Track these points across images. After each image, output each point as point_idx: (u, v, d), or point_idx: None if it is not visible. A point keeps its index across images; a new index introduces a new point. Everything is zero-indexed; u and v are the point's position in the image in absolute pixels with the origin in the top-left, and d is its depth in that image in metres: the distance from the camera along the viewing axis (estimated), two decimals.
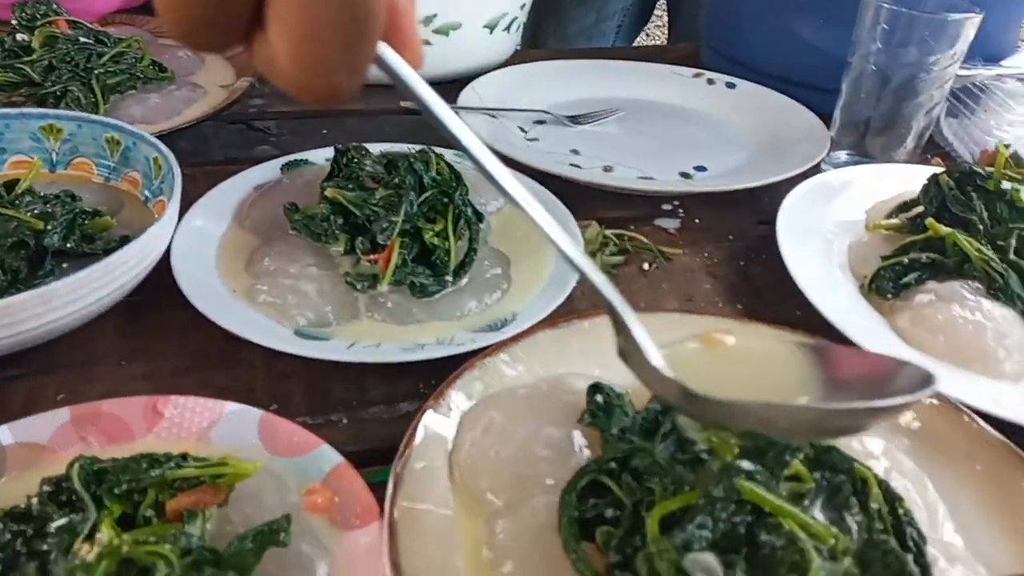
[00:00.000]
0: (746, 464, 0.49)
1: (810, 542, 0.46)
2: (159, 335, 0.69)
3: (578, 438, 0.58)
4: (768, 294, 0.84)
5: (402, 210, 0.71)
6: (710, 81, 1.27)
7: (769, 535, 0.47)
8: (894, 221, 0.90)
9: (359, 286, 0.70)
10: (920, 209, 0.89)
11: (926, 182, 0.91)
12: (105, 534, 0.43)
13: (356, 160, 0.78)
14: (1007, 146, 0.96)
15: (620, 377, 0.61)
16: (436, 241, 0.72)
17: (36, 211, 0.67)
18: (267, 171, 0.86)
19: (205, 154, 0.99)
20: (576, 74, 1.25)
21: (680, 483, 0.50)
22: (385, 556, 0.47)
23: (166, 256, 0.70)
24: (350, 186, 0.74)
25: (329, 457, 0.55)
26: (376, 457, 0.58)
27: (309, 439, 0.56)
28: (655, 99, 1.23)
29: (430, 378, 0.67)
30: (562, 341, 0.68)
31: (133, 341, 0.68)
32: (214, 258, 0.73)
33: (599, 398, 0.59)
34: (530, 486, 0.54)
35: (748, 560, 0.47)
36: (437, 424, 0.58)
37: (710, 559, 0.45)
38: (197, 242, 0.74)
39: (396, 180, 0.74)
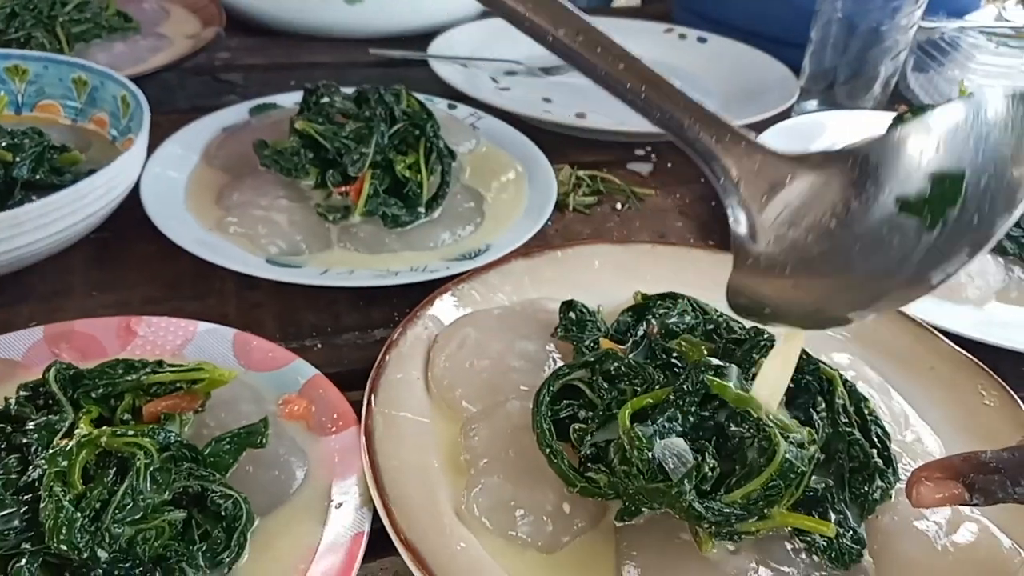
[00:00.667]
0: (715, 360, 0.50)
1: (777, 428, 0.47)
2: (129, 267, 0.69)
3: (551, 350, 0.59)
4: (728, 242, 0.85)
5: (373, 141, 0.72)
6: (682, 36, 1.28)
7: (738, 426, 0.48)
8: None
9: (331, 217, 0.70)
10: None
11: (891, 122, 0.92)
12: (83, 429, 0.43)
13: (326, 97, 0.78)
14: (970, 94, 0.98)
15: (592, 302, 0.62)
16: (408, 174, 0.73)
17: (3, 144, 0.66)
18: (235, 114, 0.86)
19: (171, 103, 0.98)
20: None
21: (651, 382, 0.51)
22: (364, 457, 0.48)
23: (134, 194, 0.70)
24: (320, 120, 0.74)
25: (304, 370, 0.55)
26: (352, 378, 0.58)
27: (284, 354, 0.56)
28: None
29: (404, 307, 0.67)
30: (535, 270, 0.69)
31: (103, 273, 0.68)
32: (183, 194, 0.73)
33: (572, 314, 0.60)
34: (504, 392, 0.55)
35: (717, 449, 0.48)
36: (414, 340, 0.59)
37: (681, 443, 0.46)
38: (166, 178, 0.73)
39: (367, 113, 0.74)
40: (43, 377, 0.47)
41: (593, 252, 0.71)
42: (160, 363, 0.50)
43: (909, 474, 0.50)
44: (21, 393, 0.47)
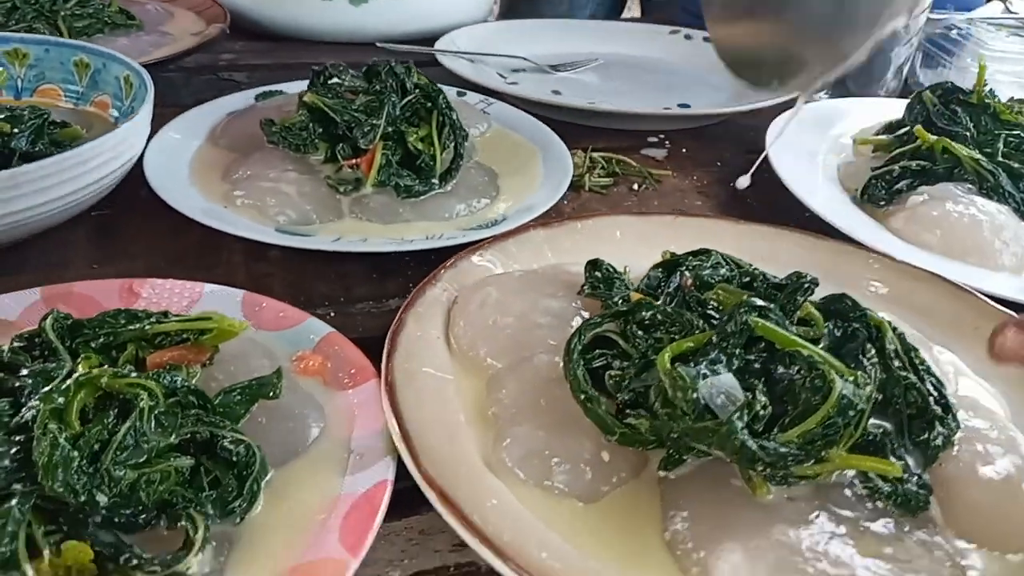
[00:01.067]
0: (758, 301, 0.47)
1: (830, 366, 0.43)
2: (133, 241, 0.66)
3: (578, 307, 0.55)
4: (760, 210, 0.83)
5: (384, 113, 0.69)
6: (687, 37, 1.27)
7: (786, 368, 0.45)
8: (882, 137, 0.89)
9: (342, 189, 0.68)
10: (906, 129, 0.89)
11: (910, 100, 0.91)
12: (83, 369, 0.39)
13: (335, 78, 0.76)
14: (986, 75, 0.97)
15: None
16: (420, 146, 0.70)
17: (2, 116, 0.64)
18: (240, 100, 0.84)
19: (175, 99, 0.95)
20: (553, 30, 1.24)
21: (690, 328, 0.48)
22: (386, 407, 0.44)
23: (137, 175, 0.67)
24: (329, 96, 0.72)
25: (318, 328, 0.52)
26: (367, 345, 0.55)
27: (296, 314, 0.53)
28: (634, 53, 1.22)
29: (418, 278, 0.64)
30: (555, 239, 0.66)
31: (105, 248, 0.65)
32: (187, 172, 0.70)
33: (597, 273, 0.57)
34: (530, 348, 0.51)
35: (767, 393, 0.44)
36: (432, 301, 0.56)
37: (729, 380, 0.42)
38: (170, 154, 0.70)
39: (377, 87, 0.72)
40: (39, 327, 0.44)
41: (614, 223, 0.69)
42: (165, 314, 0.46)
43: (965, 427, 0.48)
44: (15, 344, 0.44)
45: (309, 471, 0.42)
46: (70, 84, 0.77)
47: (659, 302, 0.52)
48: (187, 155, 0.72)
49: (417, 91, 0.72)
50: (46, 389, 0.37)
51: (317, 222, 0.65)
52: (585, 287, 0.56)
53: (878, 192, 0.80)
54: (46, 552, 0.34)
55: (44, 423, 0.36)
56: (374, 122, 0.69)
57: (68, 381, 0.38)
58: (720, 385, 0.42)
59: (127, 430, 0.37)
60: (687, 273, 0.54)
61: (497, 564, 0.36)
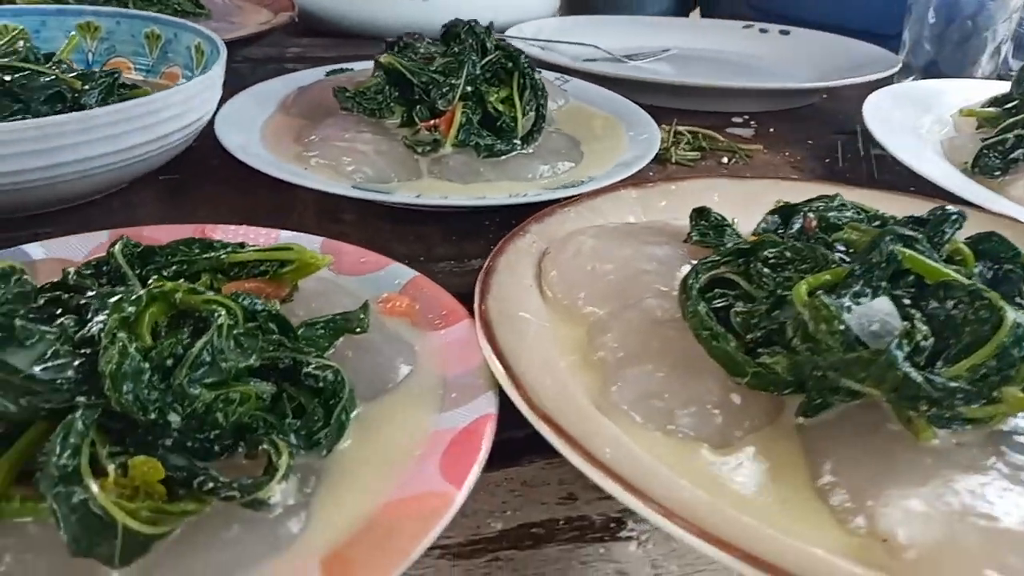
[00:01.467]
0: (904, 229, 0.41)
1: (997, 295, 0.37)
2: (202, 203, 0.63)
3: (686, 255, 0.50)
4: (860, 184, 0.77)
5: (464, 72, 0.66)
6: (763, 31, 1.22)
7: (941, 302, 0.39)
8: (990, 110, 0.83)
9: (420, 150, 0.64)
10: (1015, 101, 0.83)
11: (1018, 72, 0.84)
12: (155, 283, 0.35)
13: (409, 45, 0.72)
14: None
15: None
16: (501, 107, 0.66)
17: (73, 75, 0.62)
18: (310, 76, 0.81)
19: (242, 88, 0.94)
20: (623, 24, 1.20)
21: (825, 263, 0.42)
22: (484, 344, 0.39)
23: (207, 143, 0.64)
24: (406, 59, 0.69)
25: (403, 273, 0.48)
26: None
27: (379, 259, 0.49)
28: (707, 46, 1.18)
29: (500, 240, 0.60)
30: (647, 199, 0.61)
31: (173, 209, 0.62)
32: (258, 136, 0.67)
33: (704, 221, 0.52)
34: (635, 296, 0.46)
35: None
36: (522, 251, 0.51)
37: (884, 304, 0.37)
38: (241, 121, 0.67)
39: (456, 49, 0.68)
40: (108, 252, 0.40)
41: (711, 185, 0.63)
42: (242, 244, 0.42)
43: None
44: (83, 270, 0.40)
45: (401, 407, 0.38)
46: (140, 57, 0.76)
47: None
48: (258, 122, 0.69)
49: (497, 52, 0.69)
50: (115, 299, 0.33)
51: (395, 180, 0.61)
52: (692, 234, 0.51)
53: (992, 162, 0.73)
54: (111, 469, 0.29)
55: (113, 332, 0.32)
56: (453, 82, 0.65)
57: (140, 292, 0.34)
58: (873, 313, 0.37)
59: (203, 345, 0.33)
60: (810, 215, 0.48)
61: (631, 502, 0.30)
